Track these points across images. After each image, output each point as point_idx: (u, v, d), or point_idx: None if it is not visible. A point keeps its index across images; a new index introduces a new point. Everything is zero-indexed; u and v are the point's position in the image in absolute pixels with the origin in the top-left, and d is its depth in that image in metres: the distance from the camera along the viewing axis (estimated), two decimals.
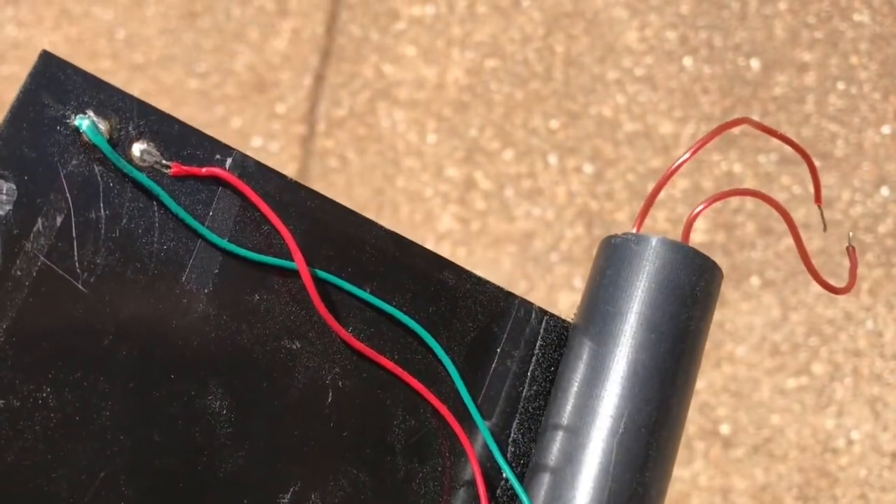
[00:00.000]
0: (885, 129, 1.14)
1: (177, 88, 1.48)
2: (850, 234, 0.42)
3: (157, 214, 0.27)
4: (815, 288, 1.09)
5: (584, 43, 1.31)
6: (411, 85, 1.37)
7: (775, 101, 1.20)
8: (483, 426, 0.32)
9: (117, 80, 1.52)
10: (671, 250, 0.35)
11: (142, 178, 0.26)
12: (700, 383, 1.09)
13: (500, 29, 1.37)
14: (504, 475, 0.31)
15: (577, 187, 1.22)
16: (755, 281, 1.12)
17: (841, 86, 1.17)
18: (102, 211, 0.26)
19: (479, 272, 1.13)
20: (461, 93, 1.34)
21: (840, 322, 1.07)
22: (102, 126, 0.26)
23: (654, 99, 1.24)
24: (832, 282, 0.37)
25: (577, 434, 0.31)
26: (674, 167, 0.38)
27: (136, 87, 1.50)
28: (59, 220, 0.26)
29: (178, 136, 0.27)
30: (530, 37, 1.34)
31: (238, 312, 0.28)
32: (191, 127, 0.28)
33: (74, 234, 0.26)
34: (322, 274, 0.30)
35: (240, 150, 0.30)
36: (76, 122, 0.26)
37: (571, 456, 0.31)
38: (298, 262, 0.28)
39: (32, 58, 1.38)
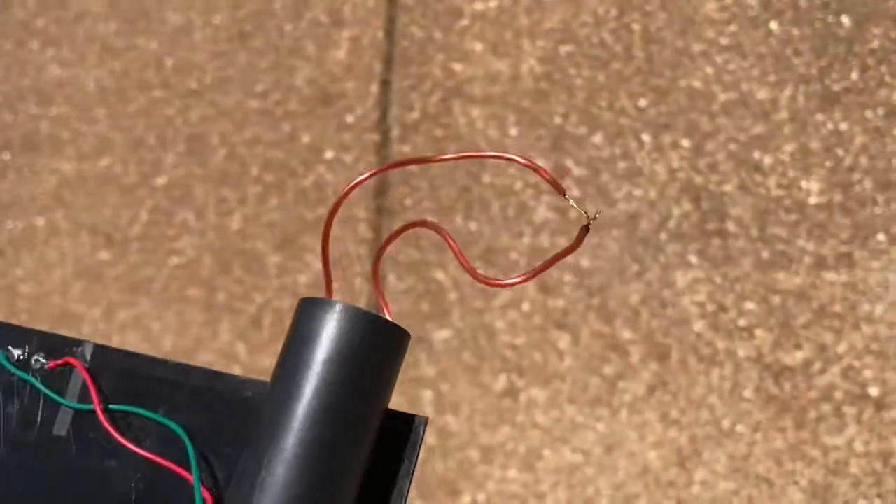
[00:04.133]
0: None
1: (237, 111, 1.47)
2: (598, 213, 0.41)
3: (41, 395, 0.43)
4: None
5: (661, 18, 1.30)
6: (484, 80, 1.36)
7: (874, 54, 1.19)
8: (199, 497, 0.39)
9: (172, 108, 1.51)
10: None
11: (27, 377, 0.42)
12: (841, 347, 1.07)
13: (570, 14, 1.36)
14: None
15: (678, 163, 1.21)
16: (882, 237, 1.10)
17: None
18: (15, 400, 0.43)
19: (584, 259, 1.11)
20: (538, 82, 1.33)
21: None
22: (16, 353, 0.43)
23: (745, 66, 1.23)
24: None
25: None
26: (345, 191, 0.40)
27: (194, 114, 1.49)
28: None
29: (54, 344, 0.43)
30: (603, 18, 1.34)
31: (82, 446, 0.42)
32: (62, 336, 0.43)
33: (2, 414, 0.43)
34: (118, 406, 0.42)
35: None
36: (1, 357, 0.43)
37: None
38: (94, 402, 0.41)
39: (80, 97, 1.38)
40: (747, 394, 1.08)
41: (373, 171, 0.41)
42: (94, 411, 0.42)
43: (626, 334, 1.14)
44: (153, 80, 1.56)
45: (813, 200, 1.14)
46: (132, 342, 1.35)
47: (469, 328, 1.22)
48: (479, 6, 1.42)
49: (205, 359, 1.32)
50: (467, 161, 1.32)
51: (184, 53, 1.58)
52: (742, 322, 1.11)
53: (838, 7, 1.22)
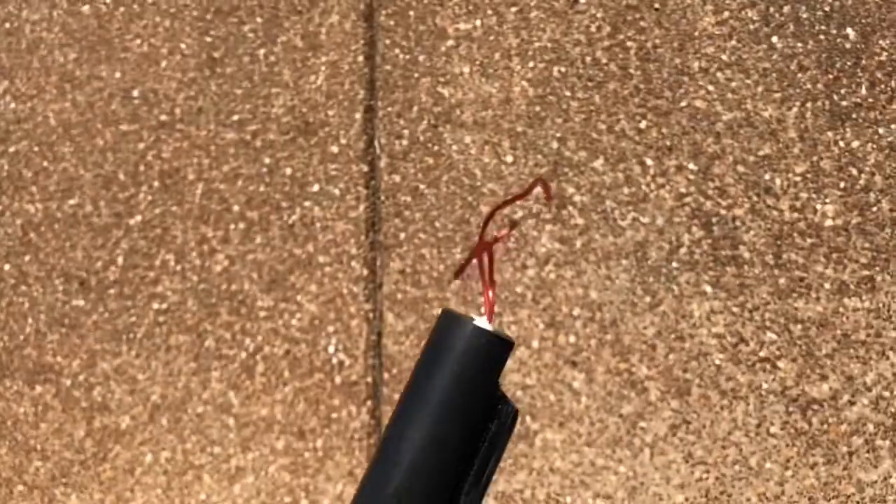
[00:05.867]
0: None
1: (213, 143, 1.38)
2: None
3: None
4: None
5: (657, 35, 1.24)
6: (474, 104, 1.29)
7: (882, 67, 1.14)
8: None
9: (142, 143, 1.41)
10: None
11: None
12: (869, 377, 1.03)
13: (560, 32, 1.30)
14: None
15: (685, 187, 1.15)
16: None
17: None
18: None
19: (592, 292, 1.04)
20: (532, 105, 1.26)
21: None
22: None
23: (749, 83, 1.18)
24: None
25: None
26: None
27: (167, 148, 1.40)
28: None
29: None
30: (596, 36, 1.27)
31: None
32: None
33: None
34: None
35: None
36: None
37: None
38: None
39: (41, 132, 1.26)
40: (774, 429, 1.03)
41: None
42: None
43: (644, 370, 1.09)
44: (120, 113, 1.46)
45: (829, 223, 1.09)
46: (117, 395, 1.26)
47: None
48: (463, 26, 1.35)
49: (197, 410, 1.23)
50: (463, 191, 1.25)
51: (151, 83, 1.48)
52: (763, 353, 1.06)
53: (842, 19, 1.17)
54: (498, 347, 0.45)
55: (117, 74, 1.50)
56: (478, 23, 1.34)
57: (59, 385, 1.30)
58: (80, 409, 1.27)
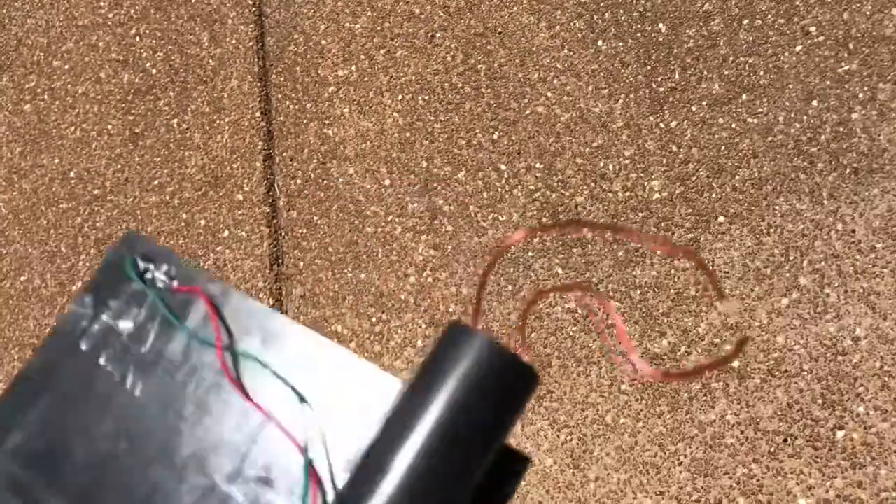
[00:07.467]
0: (798, 48, 1.20)
1: (138, 208, 1.52)
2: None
3: (159, 313, 0.42)
4: (781, 208, 1.13)
5: (502, 55, 1.37)
6: (355, 139, 1.42)
7: (691, 53, 1.25)
8: (307, 480, 0.38)
9: (80, 217, 1.56)
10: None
11: (145, 289, 0.42)
12: (700, 328, 1.11)
13: (422, 66, 1.43)
14: None
15: (533, 184, 1.26)
16: (721, 219, 1.15)
17: (746, 22, 1.23)
18: (133, 310, 0.42)
19: (464, 289, 1.14)
20: (403, 132, 1.39)
21: (811, 232, 1.11)
22: (141, 265, 0.42)
23: (581, 84, 1.29)
24: None
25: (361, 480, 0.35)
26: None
27: (101, 218, 1.54)
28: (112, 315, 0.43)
29: (187, 272, 0.43)
30: (452, 64, 1.40)
31: (193, 376, 0.42)
32: (195, 267, 0.42)
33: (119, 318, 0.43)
34: (240, 349, 0.41)
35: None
36: (127, 265, 0.42)
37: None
38: (217, 341, 0.40)
39: None
40: (624, 387, 1.12)
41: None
42: (213, 346, 0.40)
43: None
44: (60, 193, 1.62)
45: (656, 196, 1.19)
46: None
47: None
48: (341, 72, 1.49)
49: None
50: (350, 216, 1.37)
51: (84, 163, 1.63)
52: (610, 320, 1.16)
53: (654, 16, 1.29)
54: (512, 372, 0.34)
55: (56, 160, 1.66)
56: (353, 68, 1.48)
57: None
58: None
